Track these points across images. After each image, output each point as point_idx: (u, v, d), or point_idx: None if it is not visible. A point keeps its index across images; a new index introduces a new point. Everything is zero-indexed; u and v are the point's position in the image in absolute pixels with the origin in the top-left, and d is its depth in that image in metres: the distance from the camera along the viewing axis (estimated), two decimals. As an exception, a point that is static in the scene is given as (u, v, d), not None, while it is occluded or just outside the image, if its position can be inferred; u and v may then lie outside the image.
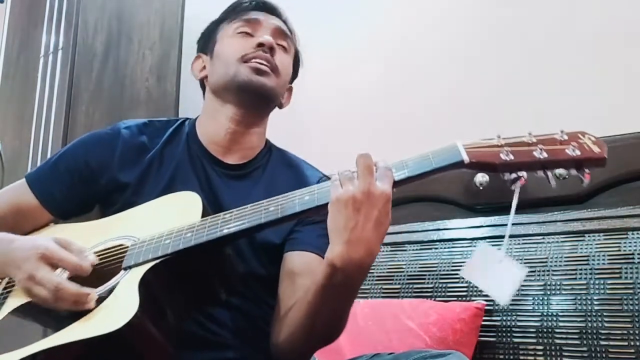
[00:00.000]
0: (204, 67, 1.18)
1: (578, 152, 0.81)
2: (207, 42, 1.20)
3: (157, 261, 0.86)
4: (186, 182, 1.07)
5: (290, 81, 1.22)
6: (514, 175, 0.83)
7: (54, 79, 2.32)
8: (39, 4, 2.48)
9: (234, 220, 0.87)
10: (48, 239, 0.93)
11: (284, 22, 1.20)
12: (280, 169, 1.16)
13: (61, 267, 0.89)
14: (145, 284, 0.83)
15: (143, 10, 2.53)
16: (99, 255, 0.96)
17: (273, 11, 1.19)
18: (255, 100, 1.11)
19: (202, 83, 1.20)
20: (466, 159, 0.83)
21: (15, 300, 0.94)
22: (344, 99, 2.02)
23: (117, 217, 1.04)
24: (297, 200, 0.86)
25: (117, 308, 0.82)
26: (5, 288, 1.00)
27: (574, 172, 0.82)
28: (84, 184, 1.10)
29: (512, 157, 0.82)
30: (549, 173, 0.83)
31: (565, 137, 0.83)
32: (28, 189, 1.10)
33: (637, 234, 1.29)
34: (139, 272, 0.85)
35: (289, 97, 1.22)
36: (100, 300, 0.85)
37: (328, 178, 1.11)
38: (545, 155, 0.81)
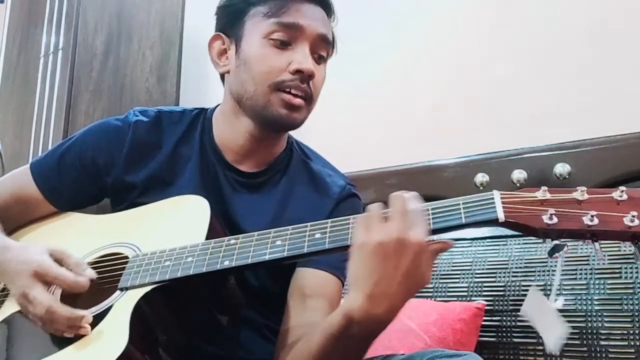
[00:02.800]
0: (226, 56, 1.03)
1: (637, 223, 0.66)
2: (232, 22, 1.02)
3: (153, 286, 0.83)
4: (195, 190, 0.99)
5: None
6: (555, 242, 0.70)
7: (54, 79, 2.32)
8: (39, 4, 2.48)
9: (237, 251, 0.82)
10: (43, 250, 0.88)
11: (327, 11, 1.02)
12: (299, 176, 1.06)
13: (55, 285, 0.85)
14: (138, 313, 0.80)
15: (143, 10, 2.53)
16: (98, 263, 0.94)
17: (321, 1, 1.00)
18: (282, 131, 1.03)
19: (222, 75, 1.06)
20: (501, 217, 0.70)
21: (11, 305, 0.93)
22: (348, 97, 2.02)
23: (123, 216, 1.02)
24: (307, 237, 0.79)
25: (106, 342, 0.79)
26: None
27: (627, 243, 0.68)
28: (90, 180, 1.06)
29: (556, 220, 0.68)
30: (597, 244, 0.68)
31: (625, 197, 0.68)
32: (32, 182, 1.06)
33: (637, 234, 1.29)
34: (134, 297, 0.82)
35: None
36: (92, 322, 0.83)
37: (352, 185, 1.08)
38: (596, 222, 0.67)
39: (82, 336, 0.82)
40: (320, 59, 1.00)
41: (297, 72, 0.95)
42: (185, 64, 2.63)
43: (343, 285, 0.99)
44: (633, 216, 0.66)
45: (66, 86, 2.27)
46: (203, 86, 2.47)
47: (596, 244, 0.69)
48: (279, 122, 0.97)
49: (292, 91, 0.95)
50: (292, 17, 0.96)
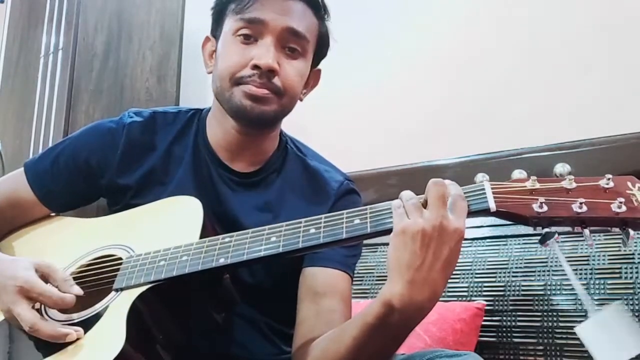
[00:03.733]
0: (213, 56, 1.05)
1: (624, 209, 0.68)
2: (216, 23, 1.04)
3: (149, 286, 0.83)
4: (188, 190, 0.99)
5: (316, 64, 1.07)
6: (546, 230, 0.72)
7: (54, 79, 2.32)
8: (39, 4, 2.48)
9: (232, 248, 0.82)
10: (29, 265, 0.87)
11: (311, 5, 1.00)
12: (295, 174, 1.06)
13: (40, 302, 0.85)
14: (134, 313, 0.80)
15: (143, 10, 2.53)
16: (91, 265, 0.94)
17: None
18: (256, 126, 1.00)
19: None
20: (493, 207, 0.72)
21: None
22: (349, 97, 2.02)
23: (116, 218, 1.02)
24: (302, 232, 0.78)
25: (103, 342, 0.79)
26: None
27: (616, 230, 0.70)
28: (84, 182, 1.06)
29: (546, 208, 0.70)
30: (587, 231, 0.70)
31: (612, 185, 0.70)
32: (27, 184, 1.06)
33: (638, 234, 1.29)
34: (129, 297, 0.82)
35: (314, 83, 1.09)
36: (88, 323, 0.83)
37: (350, 181, 1.08)
38: (585, 209, 0.69)
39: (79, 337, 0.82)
40: (293, 52, 0.98)
41: (256, 67, 0.94)
42: (185, 64, 2.63)
43: (352, 281, 1.00)
44: (620, 202, 0.68)
45: (66, 86, 2.27)
46: (203, 86, 2.47)
47: (586, 230, 0.70)
48: (245, 113, 0.96)
49: (253, 84, 0.95)
50: (256, 12, 0.96)
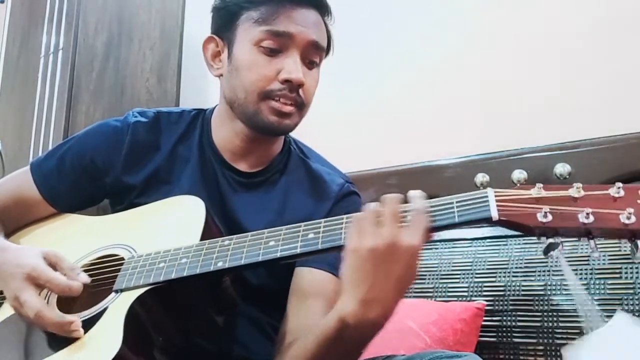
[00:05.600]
0: (219, 58, 1.03)
1: (634, 220, 0.65)
2: (225, 25, 1.02)
3: (148, 288, 0.83)
4: (194, 190, 0.99)
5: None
6: (550, 240, 0.69)
7: (54, 79, 2.32)
8: (39, 4, 2.48)
9: (231, 252, 0.82)
10: (37, 254, 0.88)
11: (323, 13, 1.01)
12: (298, 175, 1.07)
13: (47, 288, 0.85)
14: (132, 315, 0.80)
15: (143, 10, 2.53)
16: (94, 265, 0.94)
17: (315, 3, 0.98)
18: (275, 136, 1.04)
19: None
20: (495, 216, 0.69)
21: (9, 307, 0.93)
22: (349, 97, 2.02)
23: (119, 217, 1.02)
24: (301, 237, 0.78)
25: (100, 344, 0.79)
26: None
27: (624, 241, 0.67)
28: (90, 181, 1.07)
29: (550, 218, 0.67)
30: (593, 242, 0.67)
31: (622, 194, 0.67)
32: (32, 183, 1.07)
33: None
34: (128, 299, 0.82)
35: None
36: (87, 324, 0.83)
37: (350, 183, 1.08)
38: (592, 220, 0.66)
39: (77, 338, 0.82)
40: (312, 64, 1.00)
41: (286, 81, 0.95)
42: (185, 64, 2.63)
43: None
44: (629, 213, 0.65)
45: (66, 86, 2.27)
46: (203, 86, 2.47)
47: (592, 241, 0.68)
48: (270, 128, 0.98)
49: (281, 100, 0.96)
50: (283, 25, 0.95)
